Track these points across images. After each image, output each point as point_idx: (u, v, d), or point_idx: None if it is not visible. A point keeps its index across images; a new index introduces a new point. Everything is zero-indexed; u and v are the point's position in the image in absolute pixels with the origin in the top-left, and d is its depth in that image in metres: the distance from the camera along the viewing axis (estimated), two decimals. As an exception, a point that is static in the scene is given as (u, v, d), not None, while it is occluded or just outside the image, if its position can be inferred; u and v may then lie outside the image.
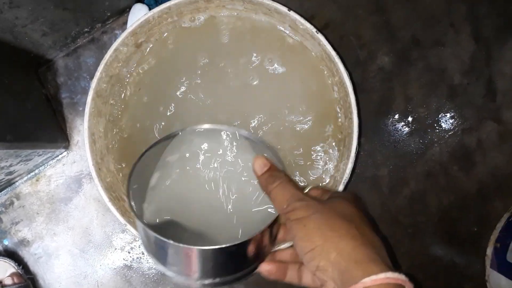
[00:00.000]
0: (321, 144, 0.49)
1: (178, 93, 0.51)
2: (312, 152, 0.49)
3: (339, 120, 0.47)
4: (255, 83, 0.50)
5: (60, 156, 0.60)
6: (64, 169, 0.60)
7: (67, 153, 0.60)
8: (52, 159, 0.59)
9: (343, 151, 0.47)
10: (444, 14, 0.59)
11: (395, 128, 0.60)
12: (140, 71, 0.51)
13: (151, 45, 0.51)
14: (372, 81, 0.60)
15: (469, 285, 0.60)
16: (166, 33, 0.51)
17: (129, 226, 0.46)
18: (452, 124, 0.60)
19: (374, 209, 0.60)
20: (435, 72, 0.60)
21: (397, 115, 0.60)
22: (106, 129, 0.50)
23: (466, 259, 0.60)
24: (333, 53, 0.42)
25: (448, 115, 0.60)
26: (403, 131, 0.60)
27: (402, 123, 0.60)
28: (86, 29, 0.58)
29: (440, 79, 0.60)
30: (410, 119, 0.60)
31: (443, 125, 0.60)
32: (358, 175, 0.59)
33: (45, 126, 0.56)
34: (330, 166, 0.48)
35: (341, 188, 0.44)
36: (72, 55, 0.60)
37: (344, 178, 0.44)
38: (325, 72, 0.48)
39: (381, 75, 0.60)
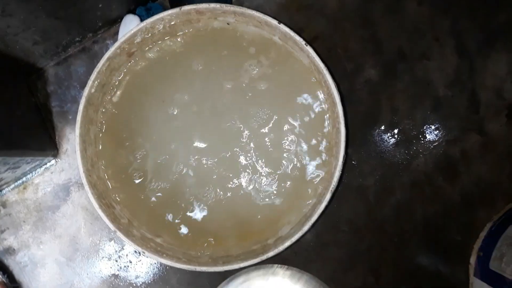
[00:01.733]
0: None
1: (169, 107, 0.52)
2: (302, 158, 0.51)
3: (326, 130, 0.48)
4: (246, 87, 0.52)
5: (48, 164, 0.59)
6: (52, 177, 0.60)
7: (56, 161, 0.60)
8: (40, 167, 0.59)
9: (330, 160, 0.47)
10: (428, 28, 0.61)
11: (381, 139, 0.61)
12: (131, 80, 0.51)
13: (143, 55, 0.51)
14: (359, 93, 0.61)
15: (453, 294, 0.61)
16: (160, 41, 0.51)
17: (118, 233, 0.46)
18: (436, 135, 0.61)
19: (360, 218, 0.61)
20: (421, 85, 0.61)
21: (384, 126, 0.61)
22: (97, 137, 0.50)
23: (451, 267, 0.61)
24: (321, 65, 0.44)
25: (433, 126, 0.61)
26: (389, 142, 0.61)
27: (389, 134, 0.61)
28: (77, 39, 0.58)
29: (426, 91, 0.61)
30: (396, 130, 0.61)
31: (428, 136, 0.61)
32: (345, 184, 0.60)
33: (34, 134, 0.56)
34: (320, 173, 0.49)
35: (328, 196, 0.45)
36: (62, 64, 0.60)
37: (332, 186, 0.45)
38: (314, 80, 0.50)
39: (368, 87, 0.61)
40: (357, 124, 0.61)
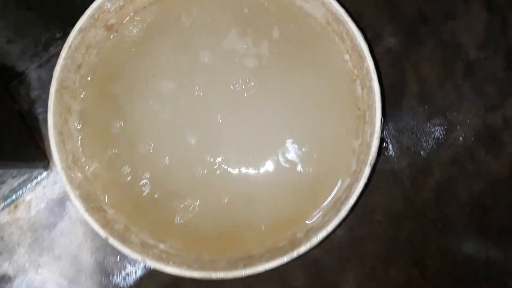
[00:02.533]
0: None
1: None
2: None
3: (357, 93, 0.41)
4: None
5: (39, 178, 0.53)
6: (45, 191, 0.53)
7: (47, 173, 0.53)
8: (30, 182, 0.52)
9: (363, 128, 0.40)
10: (451, -16, 0.54)
11: (411, 113, 0.54)
12: (113, 59, 0.45)
13: (125, 27, 0.45)
14: (381, 65, 0.54)
15: None
16: (144, 6, 0.45)
17: (111, 240, 0.40)
18: (473, 103, 0.54)
19: (396, 204, 0.54)
20: (448, 49, 0.54)
21: (412, 99, 0.54)
22: (77, 129, 0.44)
23: (506, 252, 0.54)
24: (340, 10, 0.37)
25: (468, 94, 0.54)
26: (420, 116, 0.54)
27: (418, 108, 0.54)
28: (58, 35, 0.52)
29: (455, 55, 0.54)
30: (426, 102, 0.54)
31: (463, 105, 0.54)
32: (375, 168, 0.53)
33: (19, 144, 0.49)
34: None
35: (367, 171, 0.38)
36: (45, 66, 0.54)
37: (370, 158, 0.38)
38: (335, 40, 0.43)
39: (389, 57, 0.55)
40: (383, 101, 0.54)
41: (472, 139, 0.54)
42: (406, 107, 0.54)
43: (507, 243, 0.54)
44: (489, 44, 0.54)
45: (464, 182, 0.54)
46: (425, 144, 0.54)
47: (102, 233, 0.42)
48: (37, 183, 0.53)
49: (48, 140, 0.53)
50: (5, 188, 0.49)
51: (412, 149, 0.54)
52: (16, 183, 0.51)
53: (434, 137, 0.54)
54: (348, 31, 0.40)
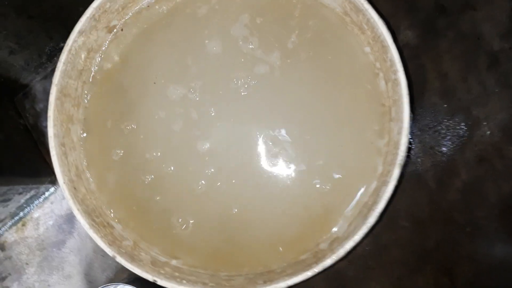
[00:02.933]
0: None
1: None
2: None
3: (380, 88, 0.39)
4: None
5: (47, 194, 0.51)
6: (53, 208, 0.51)
7: (55, 188, 0.51)
8: (37, 198, 0.51)
9: (389, 126, 0.37)
10: (469, -28, 0.51)
11: (433, 111, 0.51)
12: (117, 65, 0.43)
13: (127, 28, 0.42)
14: (398, 61, 0.52)
15: (550, 287, 0.50)
16: (143, 12, 0.43)
17: (119, 259, 0.37)
18: (499, 97, 0.51)
19: (422, 209, 0.51)
20: (470, 40, 0.51)
21: (433, 95, 0.51)
22: (81, 140, 0.41)
23: (541, 255, 0.50)
24: None
25: (493, 87, 0.51)
26: (443, 113, 0.51)
27: (441, 104, 0.51)
28: (62, 44, 0.50)
29: (477, 47, 0.51)
30: (448, 98, 0.51)
31: (488, 99, 0.51)
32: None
33: (24, 159, 0.48)
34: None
35: (396, 172, 0.35)
36: (50, 77, 0.52)
37: (399, 159, 0.35)
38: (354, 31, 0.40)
39: (407, 52, 0.52)
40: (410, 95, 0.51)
41: (500, 135, 0.50)
42: (428, 104, 0.51)
43: (543, 245, 0.50)
44: (513, 34, 0.51)
45: (493, 182, 0.50)
46: (449, 142, 0.51)
47: (109, 250, 0.39)
48: (44, 199, 0.51)
49: (54, 154, 0.51)
50: (12, 205, 0.47)
51: (436, 148, 0.51)
52: (23, 200, 0.49)
53: (459, 135, 0.51)
54: (368, 20, 0.37)
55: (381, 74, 0.39)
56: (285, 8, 0.44)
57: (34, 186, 0.48)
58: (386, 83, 0.38)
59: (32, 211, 0.51)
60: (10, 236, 0.52)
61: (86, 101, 0.43)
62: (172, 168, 0.43)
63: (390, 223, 0.51)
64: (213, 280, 0.40)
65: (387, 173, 0.36)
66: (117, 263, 0.50)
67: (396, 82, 0.36)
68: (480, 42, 0.51)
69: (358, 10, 0.36)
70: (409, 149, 0.51)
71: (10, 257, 0.52)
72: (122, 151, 0.45)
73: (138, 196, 0.45)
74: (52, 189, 0.51)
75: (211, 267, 0.43)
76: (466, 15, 0.52)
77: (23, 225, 0.52)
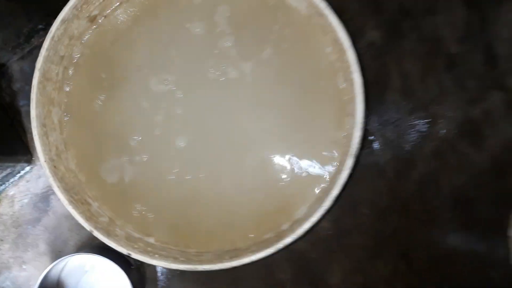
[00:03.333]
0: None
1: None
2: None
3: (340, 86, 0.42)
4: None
5: (22, 172, 0.53)
6: (28, 186, 0.53)
7: (31, 167, 0.53)
8: (13, 176, 0.52)
9: (346, 121, 0.41)
10: (432, -20, 0.56)
11: (394, 107, 0.55)
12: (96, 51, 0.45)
13: (107, 19, 0.45)
14: (363, 59, 0.54)
15: (495, 273, 0.54)
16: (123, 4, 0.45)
17: (96, 233, 0.40)
18: (454, 97, 0.55)
19: (382, 198, 0.54)
20: (430, 43, 0.55)
21: (395, 93, 0.55)
22: (61, 121, 0.44)
23: (489, 244, 0.54)
24: (321, 4, 0.37)
25: (449, 87, 0.55)
26: (403, 110, 0.55)
27: (401, 102, 0.55)
28: (40, 26, 0.52)
29: (436, 49, 0.55)
30: (409, 96, 0.55)
31: (445, 99, 0.55)
32: (360, 161, 0.53)
33: (1, 138, 0.49)
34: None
35: (350, 162, 0.38)
36: (27, 58, 0.54)
37: (352, 149, 0.38)
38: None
39: (372, 51, 0.55)
40: (365, 94, 0.55)
41: (454, 132, 0.55)
42: (389, 101, 0.55)
43: (491, 235, 0.54)
44: (469, 39, 0.55)
45: (447, 175, 0.55)
46: (408, 137, 0.55)
47: (87, 225, 0.42)
48: (20, 178, 0.53)
49: (31, 134, 0.53)
50: (-12, 183, 0.49)
51: (396, 142, 0.55)
52: (-2, 178, 0.50)
53: (417, 131, 0.55)
54: (330, 24, 0.40)
55: (341, 73, 0.42)
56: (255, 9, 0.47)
57: (10, 164, 0.49)
58: (345, 81, 0.42)
59: (7, 189, 0.53)
60: (-15, 213, 0.53)
61: (67, 85, 0.45)
62: (145, 157, 0.46)
63: (352, 210, 0.54)
64: (183, 255, 0.43)
65: (343, 162, 0.40)
66: (92, 241, 0.52)
67: (352, 82, 0.39)
68: (439, 45, 0.56)
69: (321, 14, 0.40)
70: (371, 142, 0.54)
71: (-16, 234, 0.53)
72: (101, 133, 0.47)
73: (114, 177, 0.47)
74: (27, 168, 0.53)
75: (182, 244, 0.45)
76: (428, 19, 0.56)
77: (-2, 202, 0.53)
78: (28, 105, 0.53)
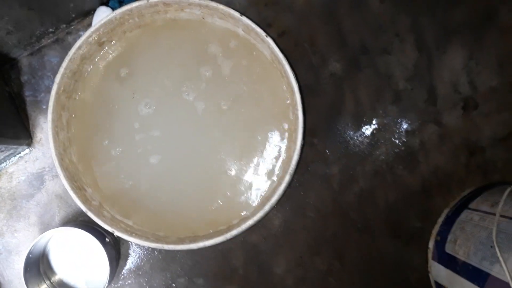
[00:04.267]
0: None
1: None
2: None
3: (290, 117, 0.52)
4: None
5: (22, 153, 0.61)
6: (26, 166, 0.61)
7: (30, 150, 0.61)
8: (14, 156, 0.60)
9: (290, 145, 0.50)
10: (390, 25, 0.64)
11: (345, 129, 0.64)
12: (102, 69, 0.54)
13: (113, 44, 0.54)
14: (325, 86, 0.64)
15: (414, 276, 0.64)
16: (127, 33, 0.54)
17: (89, 214, 0.48)
18: (397, 126, 0.64)
19: (326, 205, 0.63)
20: (382, 78, 0.64)
21: (348, 117, 0.64)
22: (69, 123, 0.52)
23: (411, 252, 0.64)
24: (280, 55, 0.46)
25: (393, 118, 0.64)
26: (353, 133, 0.64)
27: (352, 125, 0.64)
28: (51, 29, 0.60)
29: (387, 84, 0.64)
30: (359, 121, 0.64)
31: (389, 127, 0.64)
32: (311, 172, 0.63)
33: (8, 123, 0.57)
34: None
35: (287, 178, 0.48)
36: (36, 54, 0.62)
37: (290, 168, 0.48)
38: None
39: (333, 79, 0.64)
40: (323, 115, 0.64)
41: (393, 156, 0.64)
42: (343, 123, 0.64)
43: (412, 245, 0.64)
44: (416, 78, 0.64)
45: (383, 191, 0.64)
46: (354, 156, 0.64)
47: (83, 207, 0.50)
48: (20, 158, 0.61)
49: (33, 120, 0.61)
50: (-9, 160, 0.57)
51: (344, 159, 0.64)
52: (1, 157, 0.58)
53: (362, 151, 0.64)
54: (286, 71, 0.49)
55: (291, 107, 0.51)
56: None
57: (13, 146, 0.57)
58: (293, 115, 0.51)
59: (8, 166, 0.61)
60: (-15, 185, 0.61)
61: (76, 96, 0.54)
62: (118, 150, 0.55)
63: (300, 212, 0.63)
64: (154, 236, 0.52)
65: (283, 177, 0.49)
66: (76, 218, 0.61)
67: (297, 117, 0.48)
68: (390, 81, 0.64)
69: (279, 61, 0.48)
70: (324, 156, 0.64)
71: (-17, 203, 0.61)
72: (100, 137, 0.55)
73: (103, 171, 0.56)
74: (27, 150, 0.61)
75: (153, 229, 0.54)
76: (383, 58, 0.64)
77: (-2, 177, 0.61)
78: (33, 95, 0.61)
